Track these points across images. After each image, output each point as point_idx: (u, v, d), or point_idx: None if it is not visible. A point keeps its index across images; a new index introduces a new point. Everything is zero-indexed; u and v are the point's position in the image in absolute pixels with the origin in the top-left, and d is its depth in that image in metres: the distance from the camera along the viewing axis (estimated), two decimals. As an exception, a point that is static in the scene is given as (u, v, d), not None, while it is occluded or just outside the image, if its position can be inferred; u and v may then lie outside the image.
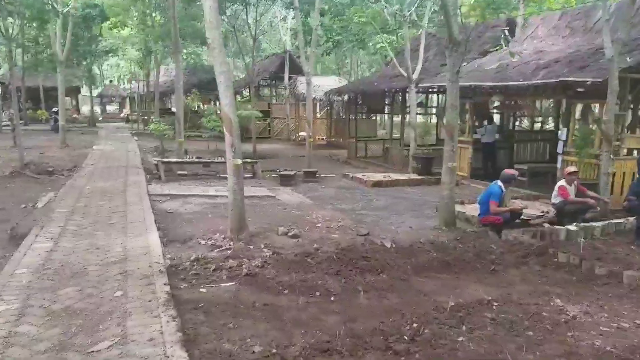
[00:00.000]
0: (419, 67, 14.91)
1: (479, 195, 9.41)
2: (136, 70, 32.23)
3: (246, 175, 10.83)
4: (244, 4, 19.43)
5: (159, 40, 21.32)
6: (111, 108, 47.10)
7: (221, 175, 12.92)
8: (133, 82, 32.65)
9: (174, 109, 35.14)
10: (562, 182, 8.67)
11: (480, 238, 7.43)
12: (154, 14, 21.21)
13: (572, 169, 8.85)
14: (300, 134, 25.20)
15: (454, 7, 7.29)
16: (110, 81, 49.13)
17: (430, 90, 16.84)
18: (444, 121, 9.12)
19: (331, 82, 25.24)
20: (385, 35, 18.41)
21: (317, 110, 24.04)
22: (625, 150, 10.20)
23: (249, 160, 12.85)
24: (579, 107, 11.96)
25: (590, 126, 10.82)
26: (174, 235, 7.23)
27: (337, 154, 19.70)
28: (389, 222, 8.76)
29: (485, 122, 14.26)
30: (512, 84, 11.23)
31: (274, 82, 30.87)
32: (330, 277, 5.39)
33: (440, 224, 8.30)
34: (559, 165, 10.86)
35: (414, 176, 13.74)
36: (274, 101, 30.55)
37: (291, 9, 24.10)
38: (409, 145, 15.58)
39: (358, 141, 19.13)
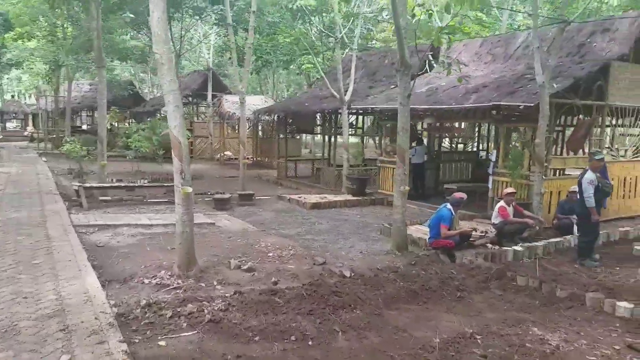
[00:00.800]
0: (350, 88, 14.95)
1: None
2: (42, 85, 29.55)
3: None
4: (168, 19, 18.49)
5: (70, 54, 19.64)
6: (12, 125, 42.73)
7: (149, 200, 11.97)
8: (39, 97, 29.86)
9: (84, 127, 32.74)
10: (501, 203, 8.93)
11: (435, 262, 7.41)
12: (65, 25, 19.53)
13: (510, 190, 9.17)
14: (225, 153, 24.44)
15: (405, 31, 7.32)
16: (12, 96, 44.69)
17: (359, 112, 17.00)
18: (396, 144, 9.09)
19: (257, 101, 24.86)
20: (311, 56, 18.44)
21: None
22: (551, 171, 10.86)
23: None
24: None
25: (519, 148, 11.42)
26: (110, 274, 6.40)
27: (265, 174, 19.26)
28: (338, 247, 8.52)
29: (414, 144, 14.60)
30: (446, 107, 11.53)
31: (195, 100, 29.80)
32: (303, 317, 4.95)
33: (392, 248, 8.20)
34: (490, 185, 11.29)
35: (350, 197, 13.63)
36: (195, 119, 29.45)
37: (215, 27, 23.47)
38: (340, 166, 15.54)
39: (288, 161, 18.86)
